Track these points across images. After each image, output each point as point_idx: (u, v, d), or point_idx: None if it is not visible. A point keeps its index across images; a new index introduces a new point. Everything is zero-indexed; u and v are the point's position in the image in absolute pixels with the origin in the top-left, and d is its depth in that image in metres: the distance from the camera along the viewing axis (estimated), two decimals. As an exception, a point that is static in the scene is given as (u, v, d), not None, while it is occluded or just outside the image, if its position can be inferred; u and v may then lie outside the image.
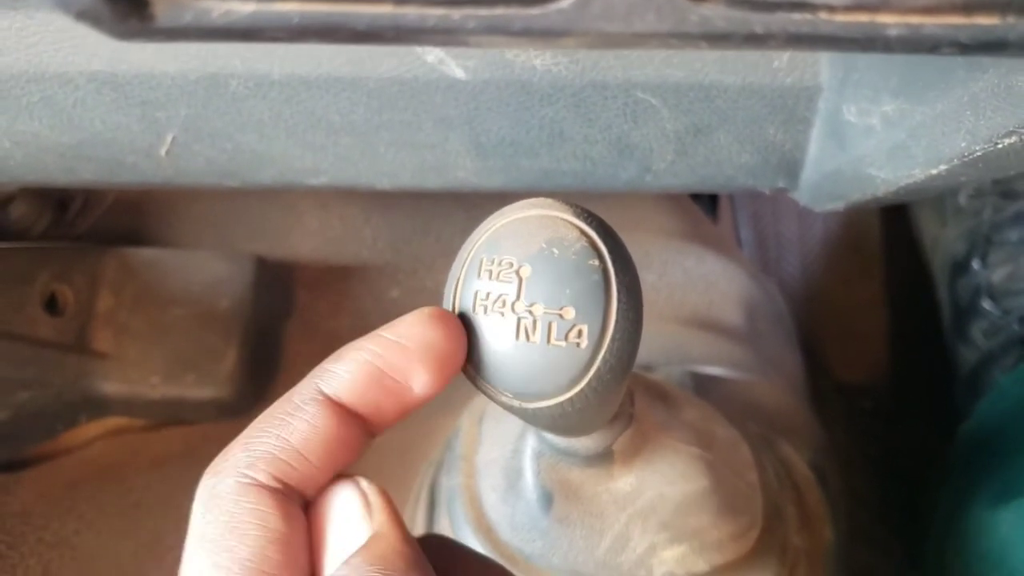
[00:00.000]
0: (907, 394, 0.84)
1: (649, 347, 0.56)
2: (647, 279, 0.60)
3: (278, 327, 0.60)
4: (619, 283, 0.24)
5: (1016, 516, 0.52)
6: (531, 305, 0.23)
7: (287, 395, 0.24)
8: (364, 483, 0.24)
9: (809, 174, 0.38)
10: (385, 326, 0.24)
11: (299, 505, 0.23)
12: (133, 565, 0.53)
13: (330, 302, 0.61)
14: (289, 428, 0.23)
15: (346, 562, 0.22)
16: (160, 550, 0.53)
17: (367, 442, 0.25)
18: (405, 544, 0.23)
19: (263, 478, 0.22)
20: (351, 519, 0.23)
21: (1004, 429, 0.61)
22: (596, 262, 0.24)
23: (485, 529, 0.39)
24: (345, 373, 0.24)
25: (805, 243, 0.88)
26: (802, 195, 0.40)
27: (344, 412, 0.24)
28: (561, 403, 0.24)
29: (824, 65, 0.34)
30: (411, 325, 0.24)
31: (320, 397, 0.24)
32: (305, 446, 0.23)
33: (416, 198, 0.62)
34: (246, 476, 0.22)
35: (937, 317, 0.79)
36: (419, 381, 0.24)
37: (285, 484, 0.23)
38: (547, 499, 0.38)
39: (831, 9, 0.13)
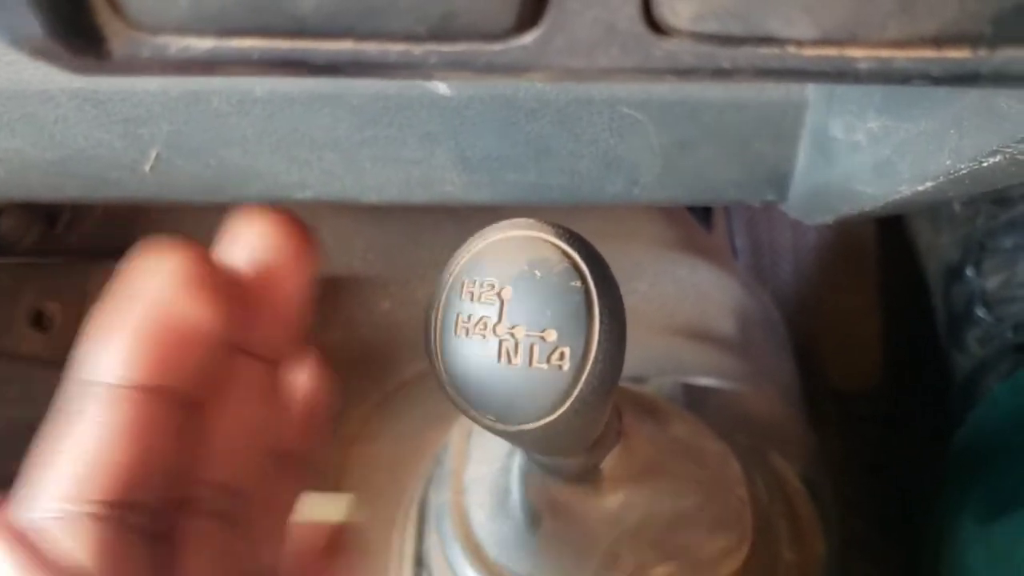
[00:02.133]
0: (902, 401, 0.83)
1: (640, 358, 0.56)
2: (639, 289, 0.60)
3: (267, 340, 0.59)
4: (601, 305, 0.23)
5: (1010, 528, 0.52)
6: (513, 327, 0.23)
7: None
8: None
9: (798, 188, 0.38)
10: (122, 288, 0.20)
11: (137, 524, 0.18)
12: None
13: (320, 314, 0.60)
14: (76, 440, 0.18)
15: None
16: None
17: (196, 412, 0.21)
18: None
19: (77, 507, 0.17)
20: None
21: (998, 438, 0.61)
22: (578, 283, 0.23)
23: (473, 547, 0.39)
24: (108, 353, 0.19)
25: (799, 250, 0.88)
26: (792, 208, 0.40)
27: (132, 393, 0.19)
28: (544, 425, 0.24)
29: None
30: (139, 260, 0.21)
31: (95, 391, 0.19)
32: (110, 449, 0.18)
33: (407, 210, 0.62)
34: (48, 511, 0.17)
35: (932, 324, 0.79)
36: (194, 312, 0.21)
37: (114, 503, 0.18)
38: (535, 517, 0.37)
39: (799, 43, 0.13)
